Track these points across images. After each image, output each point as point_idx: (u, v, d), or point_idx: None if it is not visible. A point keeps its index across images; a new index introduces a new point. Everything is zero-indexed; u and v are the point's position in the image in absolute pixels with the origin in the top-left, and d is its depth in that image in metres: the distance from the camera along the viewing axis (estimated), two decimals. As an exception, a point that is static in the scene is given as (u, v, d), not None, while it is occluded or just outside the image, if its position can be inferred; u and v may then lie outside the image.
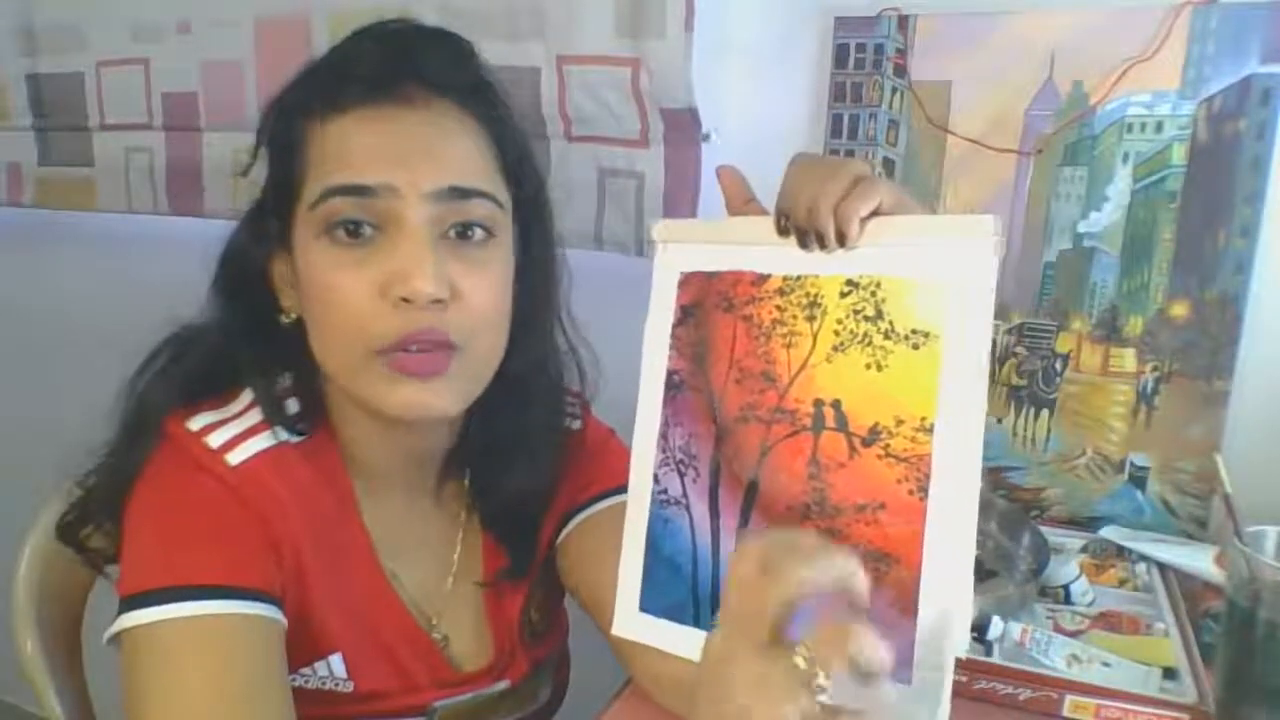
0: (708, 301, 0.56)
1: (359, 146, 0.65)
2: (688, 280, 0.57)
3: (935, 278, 0.49)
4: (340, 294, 0.65)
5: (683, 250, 0.58)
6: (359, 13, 1.35)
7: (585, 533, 0.80)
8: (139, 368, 0.72)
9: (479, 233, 0.67)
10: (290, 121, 0.69)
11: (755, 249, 0.55)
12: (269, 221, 0.71)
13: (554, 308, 0.79)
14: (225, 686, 0.61)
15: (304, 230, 0.67)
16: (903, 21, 1.07)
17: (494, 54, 1.20)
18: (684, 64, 1.10)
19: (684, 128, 1.13)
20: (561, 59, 1.18)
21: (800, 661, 0.38)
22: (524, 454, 0.77)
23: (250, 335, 0.71)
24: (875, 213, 0.51)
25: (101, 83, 1.57)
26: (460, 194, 0.66)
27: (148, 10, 1.49)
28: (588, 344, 0.82)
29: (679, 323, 0.57)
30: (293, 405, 0.71)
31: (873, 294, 0.51)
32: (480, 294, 0.67)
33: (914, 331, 0.50)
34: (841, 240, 0.51)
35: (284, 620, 0.66)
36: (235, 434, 0.68)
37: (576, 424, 0.85)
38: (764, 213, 0.57)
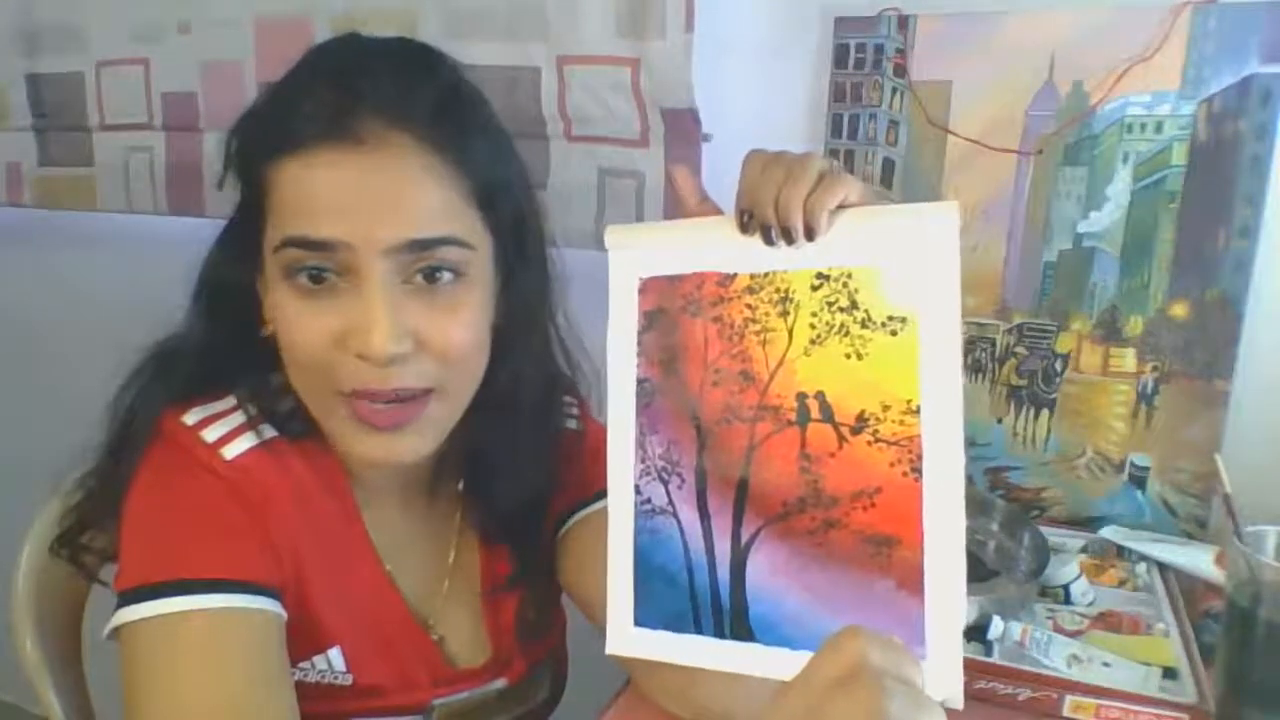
0: (673, 306, 0.56)
1: (313, 195, 0.62)
2: (647, 285, 0.57)
3: (904, 264, 0.50)
4: (302, 339, 0.64)
5: (638, 255, 0.58)
6: (359, 12, 1.35)
7: (582, 533, 0.80)
8: (124, 383, 0.71)
9: (446, 275, 0.64)
10: (249, 157, 0.67)
11: (716, 249, 0.55)
12: (240, 241, 0.69)
13: (545, 316, 0.76)
14: (224, 680, 0.61)
15: (271, 265, 0.66)
16: (903, 21, 1.07)
17: (494, 54, 1.21)
18: (684, 64, 1.10)
19: (684, 128, 1.13)
20: (562, 59, 1.18)
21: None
22: (512, 464, 0.76)
23: (236, 346, 0.70)
24: (841, 205, 0.51)
25: (101, 83, 1.57)
26: (421, 245, 0.63)
27: (148, 10, 1.49)
28: (581, 345, 0.81)
29: (644, 329, 0.57)
30: (286, 403, 0.70)
31: (844, 285, 0.52)
32: (450, 337, 0.65)
33: (890, 318, 0.50)
34: (810, 234, 0.51)
35: (284, 613, 0.66)
36: (231, 428, 0.68)
37: (575, 425, 0.85)
38: (718, 212, 0.57)
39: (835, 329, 0.52)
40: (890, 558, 0.50)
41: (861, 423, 0.51)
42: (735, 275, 0.54)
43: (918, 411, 0.49)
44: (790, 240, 0.52)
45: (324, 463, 0.72)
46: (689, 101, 1.12)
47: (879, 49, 1.08)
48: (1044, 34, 1.01)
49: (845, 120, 1.11)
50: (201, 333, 0.71)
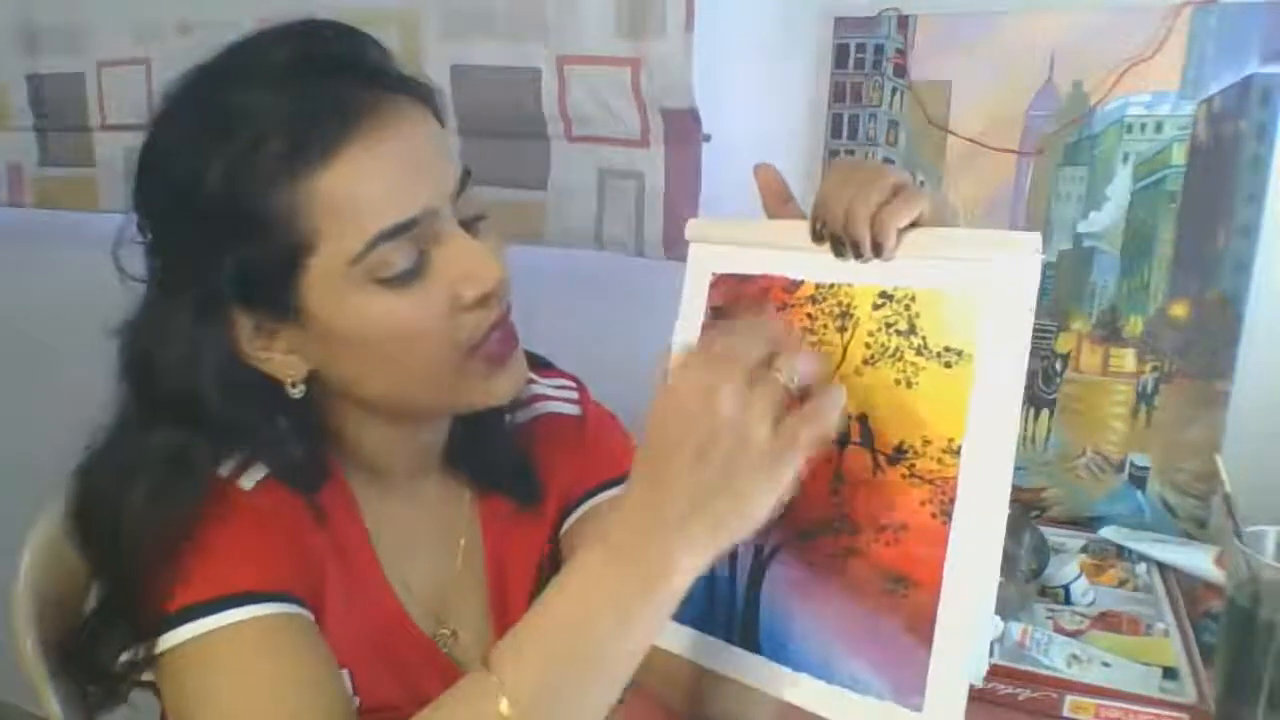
0: (739, 305, 0.55)
1: (381, 183, 0.60)
2: (719, 282, 0.56)
3: (972, 294, 0.47)
4: (422, 319, 0.62)
5: (715, 251, 0.57)
6: (359, 13, 1.35)
7: (589, 524, 0.80)
8: (112, 490, 0.64)
9: (477, 211, 0.66)
10: (257, 187, 0.59)
11: (789, 253, 0.54)
12: (229, 309, 0.63)
13: None
14: (295, 682, 0.61)
15: (334, 286, 0.61)
16: (903, 21, 1.07)
17: (494, 54, 1.21)
18: (684, 64, 1.10)
19: (684, 128, 1.13)
20: (562, 59, 1.18)
21: (781, 377, 0.47)
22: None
23: (243, 428, 0.66)
24: (914, 224, 0.49)
25: (102, 83, 1.57)
26: (464, 180, 0.65)
27: (148, 10, 1.49)
28: None
29: (708, 325, 0.56)
30: (296, 451, 0.68)
31: (906, 307, 0.50)
32: (504, 266, 0.65)
33: (947, 349, 0.48)
34: (878, 250, 0.50)
35: (314, 618, 0.66)
36: (242, 459, 0.67)
37: (573, 410, 0.84)
38: (802, 216, 0.55)
39: (889, 352, 0.50)
40: (904, 598, 0.48)
41: (899, 453, 0.49)
42: (801, 282, 0.53)
43: (958, 452, 0.47)
44: (858, 254, 0.51)
45: (331, 485, 0.72)
46: (689, 101, 1.12)
47: (879, 49, 1.08)
48: (1044, 34, 1.01)
49: (845, 120, 1.11)
50: (190, 432, 0.64)
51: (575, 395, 0.85)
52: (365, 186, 0.60)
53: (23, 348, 1.85)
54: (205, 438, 0.65)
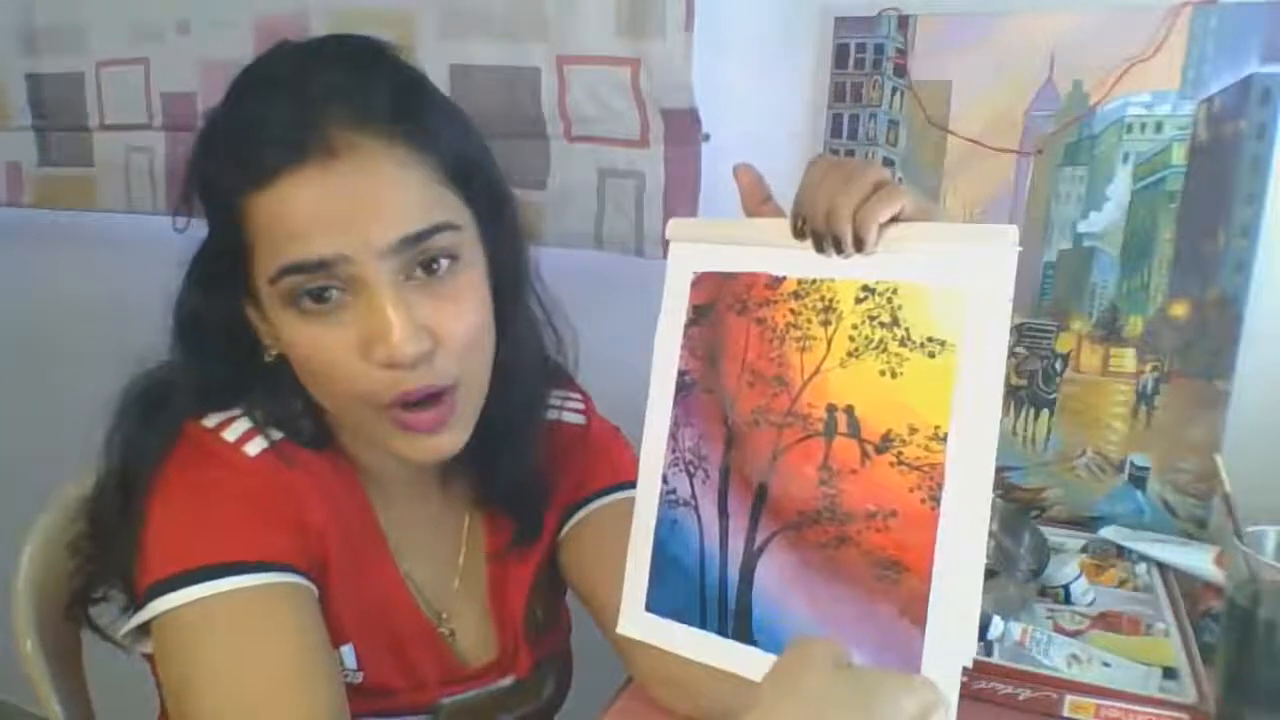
0: (721, 302, 0.56)
1: (300, 216, 0.61)
2: (701, 280, 0.57)
3: (953, 286, 0.49)
4: (325, 358, 0.63)
5: (696, 250, 0.57)
6: (359, 13, 1.35)
7: (587, 528, 0.81)
8: (117, 415, 0.71)
9: (445, 263, 0.64)
10: (219, 193, 0.65)
11: (771, 251, 0.55)
12: (222, 276, 0.68)
13: (525, 293, 0.76)
14: (278, 653, 0.62)
15: (270, 296, 0.64)
16: (903, 21, 1.07)
17: (493, 54, 1.21)
18: (684, 64, 1.10)
19: (684, 128, 1.13)
20: (561, 59, 1.18)
21: None
22: (508, 439, 0.76)
23: (233, 371, 0.70)
24: (895, 219, 0.50)
25: (101, 83, 1.57)
26: (415, 239, 0.63)
27: (148, 10, 1.49)
28: (566, 320, 0.80)
29: (691, 323, 0.57)
30: (295, 410, 0.71)
31: (889, 300, 0.51)
32: (462, 326, 0.65)
33: (930, 339, 0.49)
34: (859, 245, 0.51)
35: (316, 590, 0.67)
36: (249, 428, 0.68)
37: (579, 420, 0.85)
38: (781, 214, 0.56)
39: (873, 344, 0.51)
40: (897, 584, 0.49)
41: (886, 442, 0.50)
42: (784, 279, 0.54)
43: (944, 439, 0.48)
44: (839, 249, 0.51)
45: (337, 463, 0.72)
46: (689, 101, 1.12)
47: (879, 49, 1.08)
48: (1044, 34, 1.01)
49: (845, 120, 1.11)
50: (193, 365, 0.71)
51: (581, 407, 0.86)
52: (287, 218, 0.61)
53: (22, 347, 1.85)
54: (204, 384, 0.69)
